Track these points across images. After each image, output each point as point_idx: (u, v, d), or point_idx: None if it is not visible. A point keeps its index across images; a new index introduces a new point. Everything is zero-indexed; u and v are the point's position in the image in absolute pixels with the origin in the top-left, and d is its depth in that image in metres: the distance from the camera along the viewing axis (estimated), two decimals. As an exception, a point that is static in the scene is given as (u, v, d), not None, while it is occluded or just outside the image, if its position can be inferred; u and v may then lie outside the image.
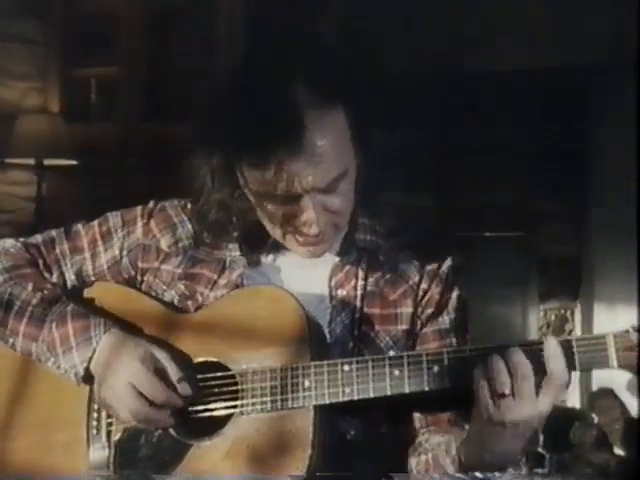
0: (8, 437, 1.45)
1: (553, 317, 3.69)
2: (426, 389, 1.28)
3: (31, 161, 3.86)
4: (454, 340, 1.44)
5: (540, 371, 1.22)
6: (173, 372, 1.35)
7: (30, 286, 1.46)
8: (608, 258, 3.49)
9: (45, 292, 1.45)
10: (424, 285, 1.44)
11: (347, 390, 1.29)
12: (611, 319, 3.55)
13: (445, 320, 1.45)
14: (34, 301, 1.44)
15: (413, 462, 1.42)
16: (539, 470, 3.30)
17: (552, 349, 1.22)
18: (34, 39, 4.08)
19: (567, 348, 1.23)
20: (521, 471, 3.23)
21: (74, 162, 3.91)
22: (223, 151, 1.33)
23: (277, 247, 1.43)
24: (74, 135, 3.86)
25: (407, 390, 1.28)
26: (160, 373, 1.35)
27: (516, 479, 1.30)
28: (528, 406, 1.23)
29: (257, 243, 1.43)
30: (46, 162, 3.87)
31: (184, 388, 1.35)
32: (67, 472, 1.40)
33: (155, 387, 1.34)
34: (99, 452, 1.39)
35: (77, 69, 4.15)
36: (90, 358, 1.38)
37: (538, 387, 1.22)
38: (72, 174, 4.02)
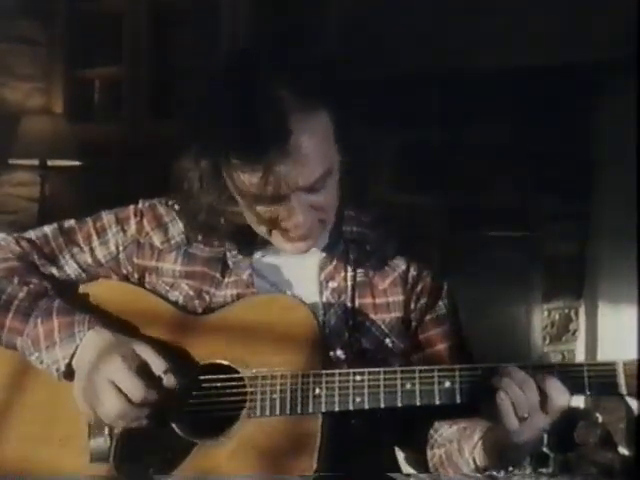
0: (6, 428, 1.44)
1: (557, 316, 3.68)
2: (437, 403, 1.30)
3: (34, 162, 3.86)
4: (452, 324, 1.49)
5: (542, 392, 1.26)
6: (157, 365, 1.35)
7: (16, 280, 1.45)
8: (613, 257, 3.48)
9: (31, 286, 1.45)
10: (413, 273, 1.48)
11: (357, 399, 1.31)
12: (615, 319, 3.55)
13: (441, 306, 1.49)
14: (20, 295, 1.44)
15: (429, 455, 1.45)
16: (543, 470, 3.29)
17: (552, 383, 1.26)
18: (37, 40, 4.08)
19: (577, 372, 1.27)
20: (525, 471, 3.25)
21: (77, 163, 3.91)
22: (211, 154, 1.34)
23: (267, 245, 1.45)
24: (78, 136, 3.86)
25: (418, 403, 1.30)
26: (142, 370, 1.35)
27: (521, 479, 1.34)
28: (541, 422, 1.27)
29: (247, 241, 1.45)
30: (49, 163, 3.87)
31: (169, 380, 1.35)
32: (66, 464, 1.40)
33: (135, 385, 1.33)
34: (100, 445, 1.39)
35: (81, 70, 4.15)
36: (72, 354, 1.38)
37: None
38: (76, 175, 4.03)
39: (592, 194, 3.63)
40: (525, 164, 3.62)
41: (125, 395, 1.33)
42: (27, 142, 3.81)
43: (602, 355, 3.59)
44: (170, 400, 1.36)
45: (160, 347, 1.38)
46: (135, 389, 1.33)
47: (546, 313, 3.65)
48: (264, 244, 1.46)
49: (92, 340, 1.38)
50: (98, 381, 1.34)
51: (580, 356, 3.69)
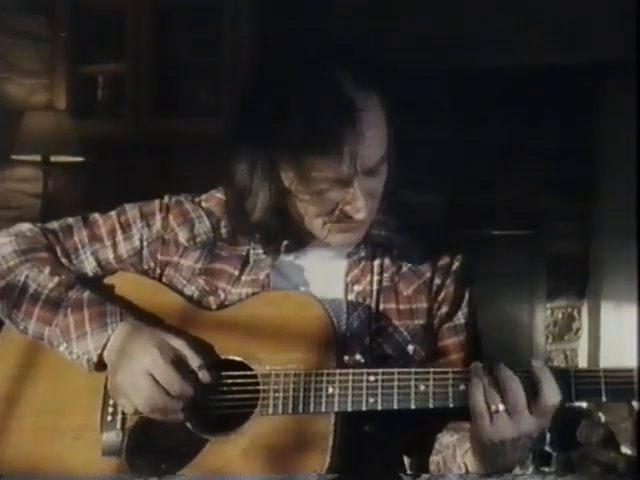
0: (21, 419, 1.44)
1: (560, 315, 3.68)
2: (451, 406, 1.28)
3: (37, 157, 3.85)
4: (469, 334, 1.48)
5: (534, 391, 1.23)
6: (193, 360, 1.35)
7: (47, 270, 1.45)
8: (616, 257, 3.48)
9: (63, 277, 1.44)
10: (437, 281, 1.47)
11: (371, 400, 1.30)
12: (618, 318, 3.55)
13: (460, 316, 1.48)
14: (51, 285, 1.43)
15: (430, 462, 1.44)
16: (546, 469, 3.30)
17: (541, 372, 1.24)
18: (41, 36, 4.07)
19: (594, 378, 1.24)
20: (527, 470, 3.25)
21: (81, 159, 3.90)
22: (282, 148, 1.33)
23: (297, 245, 1.44)
24: (81, 132, 3.85)
25: (431, 406, 1.29)
26: (178, 363, 1.35)
27: (523, 478, 1.33)
28: (524, 421, 1.23)
29: (278, 242, 1.44)
30: (52, 159, 3.85)
31: (204, 375, 1.35)
32: (78, 456, 1.40)
33: (172, 377, 1.33)
34: (112, 438, 1.39)
35: (84, 66, 4.14)
36: (104, 345, 1.37)
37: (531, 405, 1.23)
38: (79, 171, 4.02)
39: (596, 194, 3.64)
40: (529, 163, 3.62)
41: (163, 387, 1.33)
42: (30, 138, 3.80)
43: (604, 355, 3.59)
44: (199, 395, 1.36)
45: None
46: (173, 381, 1.33)
47: (549, 312, 3.66)
48: (296, 246, 1.45)
49: (125, 331, 1.37)
50: (135, 372, 1.34)
51: (583, 355, 3.69)
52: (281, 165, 1.34)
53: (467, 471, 1.33)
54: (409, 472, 1.51)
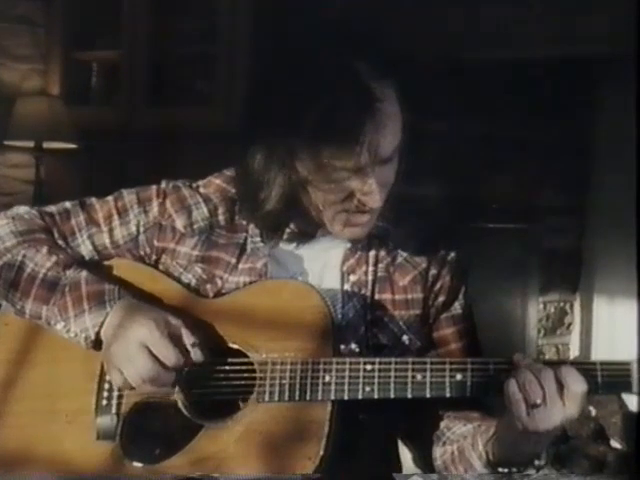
0: (15, 402, 1.44)
1: (552, 310, 3.69)
2: (447, 396, 1.29)
3: (30, 144, 3.83)
4: (466, 324, 1.49)
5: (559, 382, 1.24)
6: (187, 337, 1.35)
7: (45, 250, 1.44)
8: (609, 252, 3.49)
9: (60, 256, 1.44)
10: (433, 271, 1.47)
11: (367, 389, 1.30)
12: (610, 313, 3.56)
13: (457, 307, 1.48)
14: (48, 264, 1.43)
15: (438, 452, 1.44)
16: (535, 462, 3.30)
17: (568, 372, 1.25)
18: (36, 21, 4.05)
19: (591, 371, 1.25)
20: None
21: (74, 145, 3.89)
22: (301, 137, 1.32)
23: (299, 235, 1.44)
24: (74, 118, 3.83)
25: (428, 395, 1.29)
26: (174, 337, 1.34)
27: (511, 471, 1.33)
28: (558, 412, 1.25)
29: (281, 231, 1.44)
30: (45, 145, 3.84)
31: (197, 354, 1.35)
32: (72, 440, 1.40)
33: (167, 348, 1.33)
34: (106, 422, 1.39)
35: (79, 52, 4.12)
36: (102, 322, 1.37)
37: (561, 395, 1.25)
38: (71, 157, 4.00)
39: (590, 189, 3.64)
40: (524, 157, 3.62)
41: (157, 358, 1.33)
42: (23, 124, 3.79)
43: (596, 349, 3.61)
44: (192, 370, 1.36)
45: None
46: (168, 353, 1.33)
47: (542, 306, 3.66)
48: (297, 236, 1.44)
49: (123, 308, 1.37)
50: (129, 343, 1.33)
51: (575, 349, 3.71)
52: (299, 155, 1.33)
53: (488, 460, 1.34)
54: (408, 466, 1.51)
